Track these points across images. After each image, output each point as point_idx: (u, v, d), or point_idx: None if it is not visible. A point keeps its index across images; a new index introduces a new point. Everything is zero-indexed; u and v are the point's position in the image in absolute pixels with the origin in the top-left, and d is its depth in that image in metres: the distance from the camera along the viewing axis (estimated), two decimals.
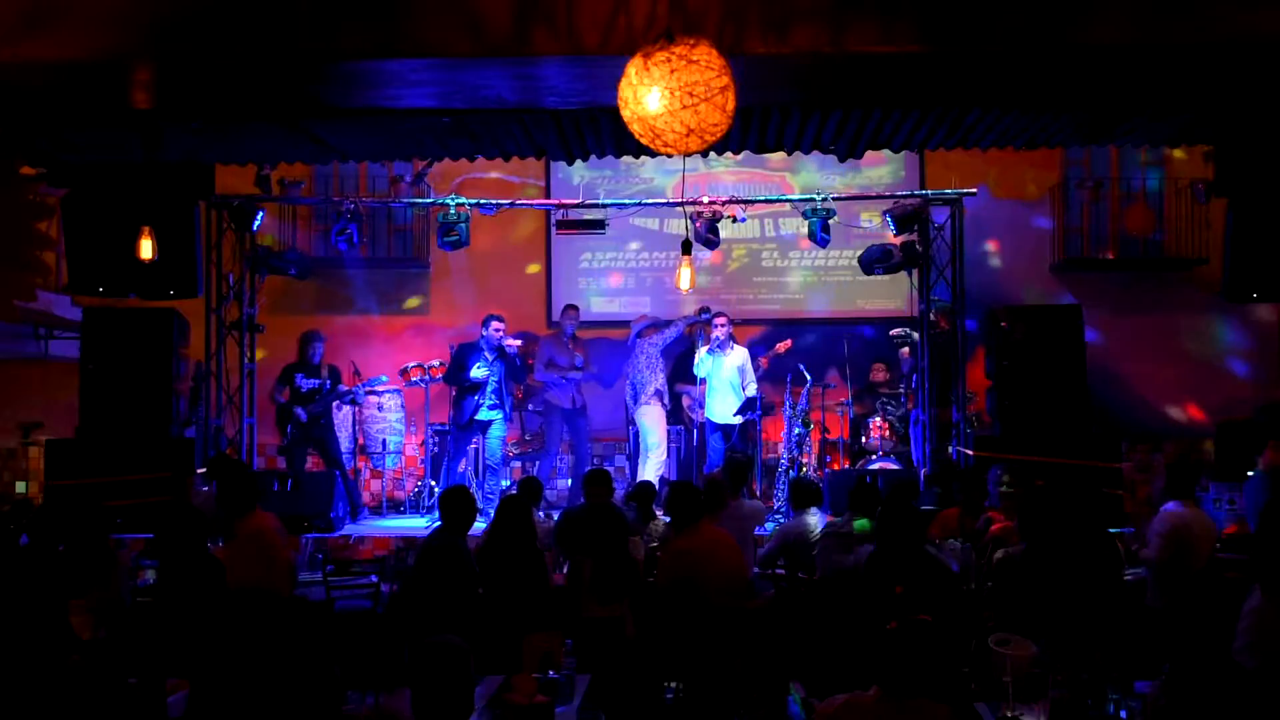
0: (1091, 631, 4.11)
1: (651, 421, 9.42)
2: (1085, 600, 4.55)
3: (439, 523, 6.22)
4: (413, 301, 11.76)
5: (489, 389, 9.09)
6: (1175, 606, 5.51)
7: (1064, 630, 4.04)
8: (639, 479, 8.92)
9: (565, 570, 5.91)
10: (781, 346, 9.78)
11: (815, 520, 6.28)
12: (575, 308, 10.07)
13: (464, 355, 9.19)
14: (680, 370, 9.97)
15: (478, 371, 9.00)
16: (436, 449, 9.76)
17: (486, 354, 9.13)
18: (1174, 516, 5.86)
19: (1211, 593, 5.37)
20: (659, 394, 9.46)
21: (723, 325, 9.36)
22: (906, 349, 9.87)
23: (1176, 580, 5.66)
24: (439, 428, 9.75)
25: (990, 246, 11.39)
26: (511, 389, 9.39)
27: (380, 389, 9.95)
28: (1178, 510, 5.88)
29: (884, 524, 5.05)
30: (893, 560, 4.91)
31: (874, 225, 10.68)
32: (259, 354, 9.77)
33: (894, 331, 10.12)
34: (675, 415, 9.92)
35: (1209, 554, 5.88)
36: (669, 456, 9.78)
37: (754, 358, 9.71)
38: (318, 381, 9.24)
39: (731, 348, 9.45)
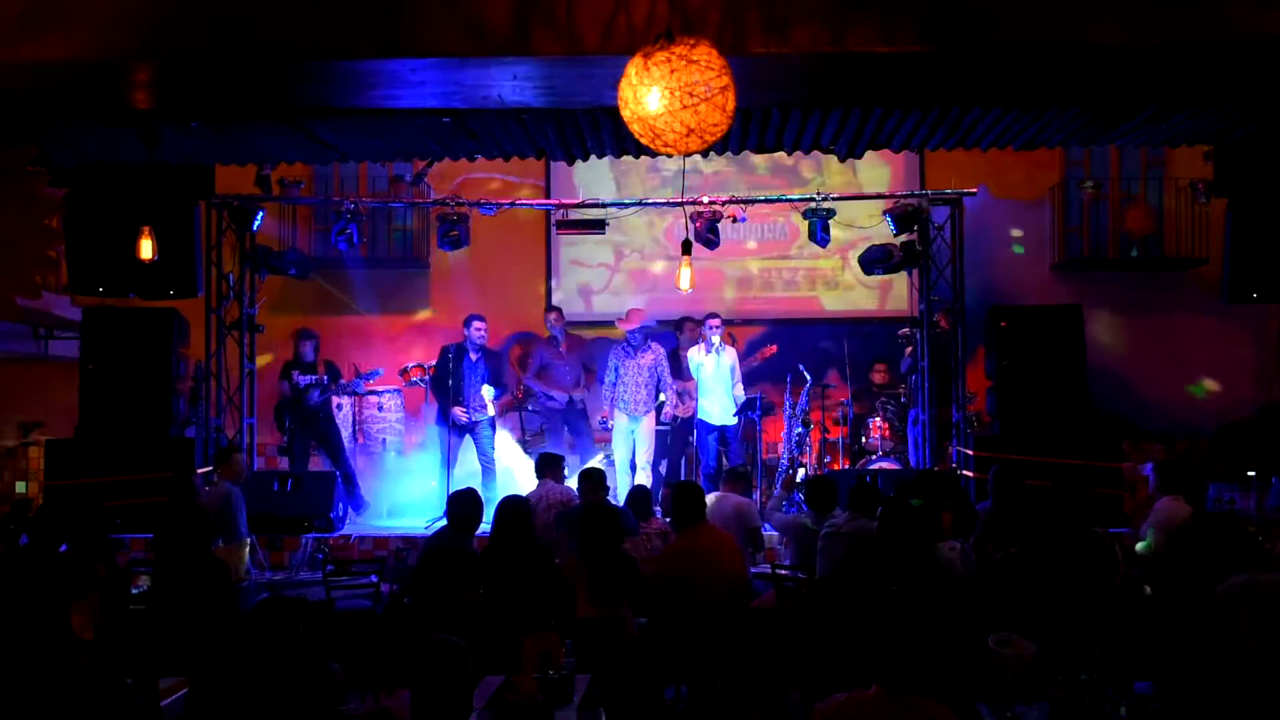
0: (1086, 631, 4.11)
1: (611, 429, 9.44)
2: (1078, 600, 4.55)
3: (442, 522, 6.24)
4: (413, 301, 11.76)
5: (469, 391, 9.10)
6: (1175, 604, 5.51)
7: (1058, 630, 4.05)
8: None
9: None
10: (767, 351, 9.80)
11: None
12: (559, 310, 10.04)
13: (448, 357, 9.19)
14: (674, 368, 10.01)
15: (460, 414, 9.01)
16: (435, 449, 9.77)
17: (470, 354, 9.16)
18: (1168, 511, 5.92)
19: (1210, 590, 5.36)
20: (614, 403, 9.36)
21: (716, 327, 9.33)
22: (911, 348, 9.87)
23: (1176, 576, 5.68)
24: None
25: (990, 246, 11.39)
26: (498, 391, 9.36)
27: (376, 384, 9.92)
28: (1171, 505, 5.94)
29: (886, 524, 5.05)
30: (896, 561, 4.92)
31: (874, 225, 10.66)
32: (264, 359, 9.77)
33: (901, 331, 10.12)
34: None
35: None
36: (669, 459, 9.79)
37: (744, 360, 9.74)
38: (314, 378, 9.27)
39: (724, 349, 9.43)
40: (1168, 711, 2.99)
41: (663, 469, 9.67)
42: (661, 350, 9.41)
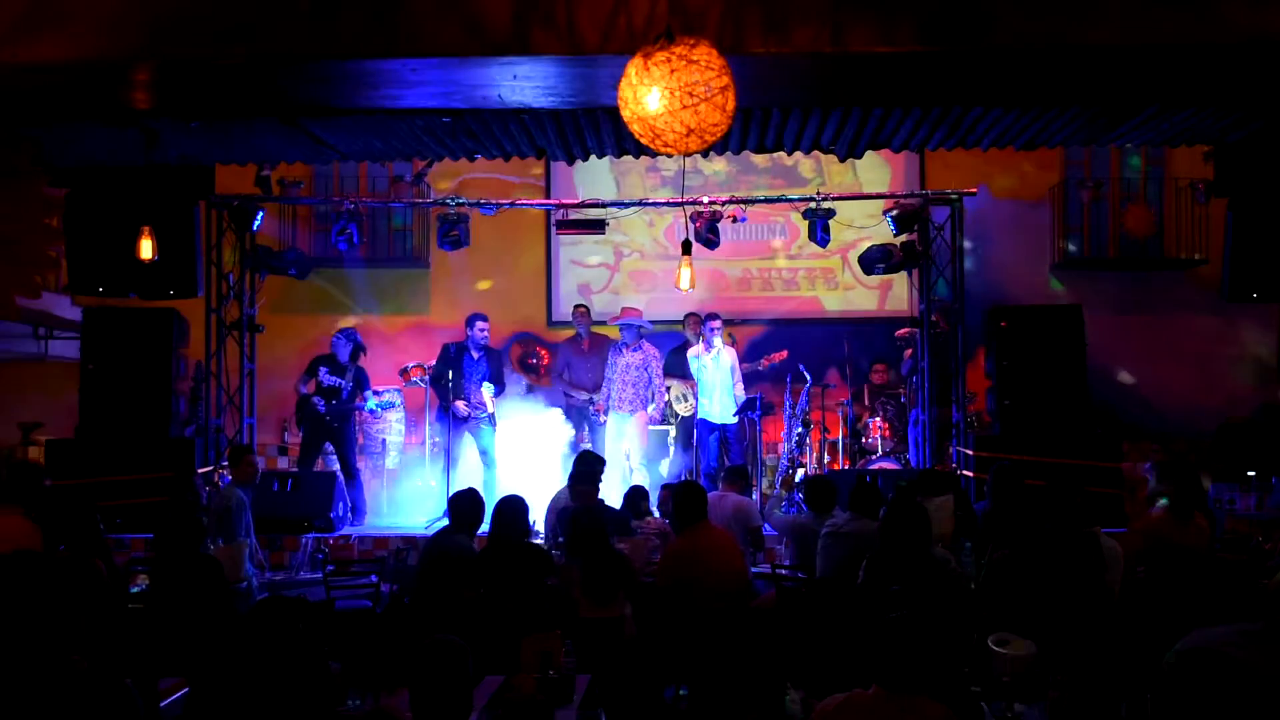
0: (1079, 631, 4.11)
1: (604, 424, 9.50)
2: (1068, 599, 4.55)
3: (444, 522, 6.23)
4: (412, 301, 11.76)
5: (469, 388, 9.13)
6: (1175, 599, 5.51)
7: (1052, 629, 4.05)
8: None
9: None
10: (776, 357, 9.80)
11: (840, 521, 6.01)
12: (585, 307, 10.08)
13: (449, 354, 9.20)
14: (674, 365, 10.04)
15: (463, 407, 9.06)
16: (436, 448, 9.77)
17: (472, 352, 9.18)
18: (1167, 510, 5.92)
19: (1210, 589, 5.36)
20: (607, 399, 9.44)
21: (716, 328, 9.34)
22: (910, 350, 9.86)
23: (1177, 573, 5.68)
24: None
25: (991, 246, 11.39)
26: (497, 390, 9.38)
27: (376, 384, 9.91)
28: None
29: (888, 524, 5.06)
30: (896, 560, 4.93)
31: (874, 225, 10.66)
32: (353, 319, 9.66)
33: (900, 331, 10.11)
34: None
35: (1206, 546, 5.89)
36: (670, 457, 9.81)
37: (748, 361, 9.77)
38: (338, 381, 9.15)
39: (724, 349, 9.44)
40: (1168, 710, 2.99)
41: (663, 469, 9.68)
42: (654, 351, 9.46)
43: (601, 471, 6.86)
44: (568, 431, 9.59)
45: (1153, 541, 5.75)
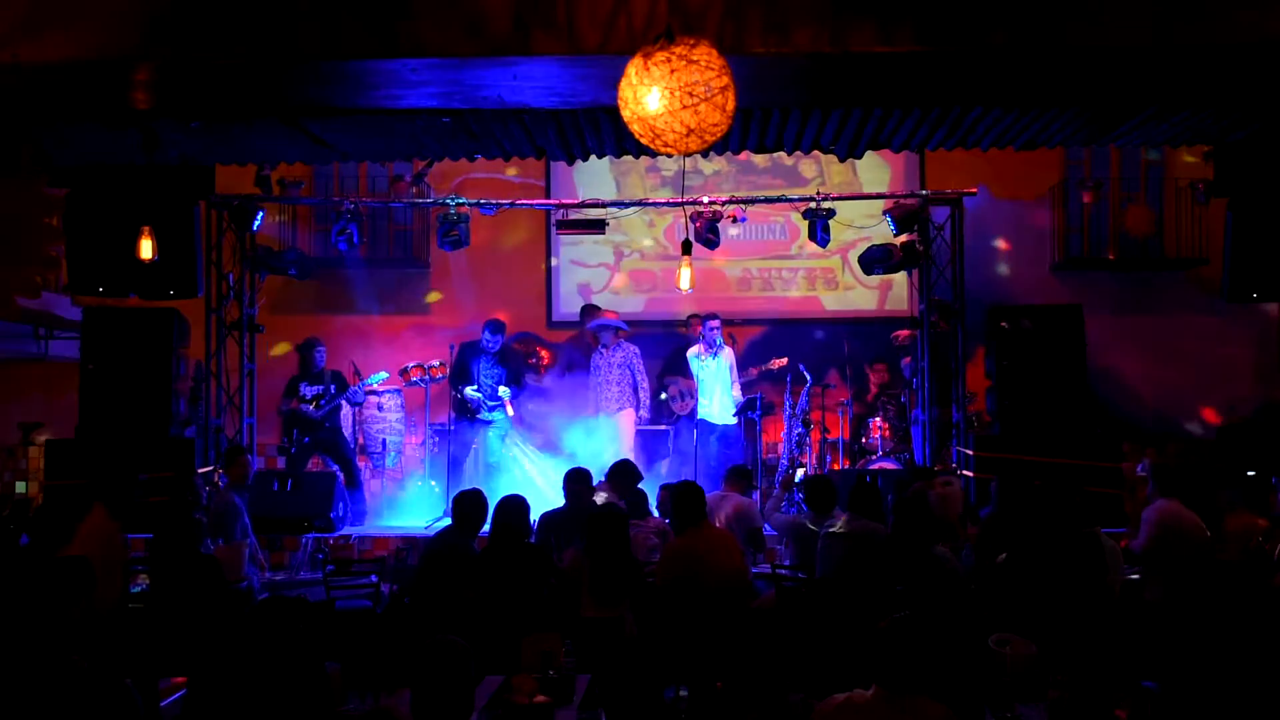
0: (1079, 631, 4.11)
1: None
2: (1069, 601, 4.56)
3: (446, 522, 6.23)
4: (412, 301, 11.76)
5: (487, 390, 9.15)
6: (1171, 600, 5.52)
7: (1051, 631, 4.05)
8: None
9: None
10: (776, 363, 9.81)
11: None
12: (596, 308, 10.10)
13: (465, 356, 9.27)
14: (672, 364, 10.01)
15: (471, 392, 9.16)
16: (436, 449, 9.77)
17: (487, 355, 9.24)
18: (1160, 510, 5.94)
19: (1209, 587, 5.38)
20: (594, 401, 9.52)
21: (715, 328, 9.36)
22: (909, 359, 9.85)
23: (1170, 574, 5.70)
24: (439, 428, 9.76)
25: (991, 246, 11.39)
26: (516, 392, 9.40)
27: (379, 386, 9.91)
28: (1165, 505, 5.96)
29: (896, 523, 5.06)
30: (900, 559, 4.93)
31: (874, 225, 10.66)
32: (276, 349, 9.74)
33: (899, 337, 10.08)
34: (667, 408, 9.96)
35: (1203, 547, 5.90)
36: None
37: (747, 364, 9.81)
38: (320, 388, 9.27)
39: (723, 349, 9.46)
40: (1171, 710, 2.99)
41: (663, 469, 9.66)
42: (634, 349, 9.52)
43: (635, 484, 6.83)
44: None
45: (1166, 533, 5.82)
